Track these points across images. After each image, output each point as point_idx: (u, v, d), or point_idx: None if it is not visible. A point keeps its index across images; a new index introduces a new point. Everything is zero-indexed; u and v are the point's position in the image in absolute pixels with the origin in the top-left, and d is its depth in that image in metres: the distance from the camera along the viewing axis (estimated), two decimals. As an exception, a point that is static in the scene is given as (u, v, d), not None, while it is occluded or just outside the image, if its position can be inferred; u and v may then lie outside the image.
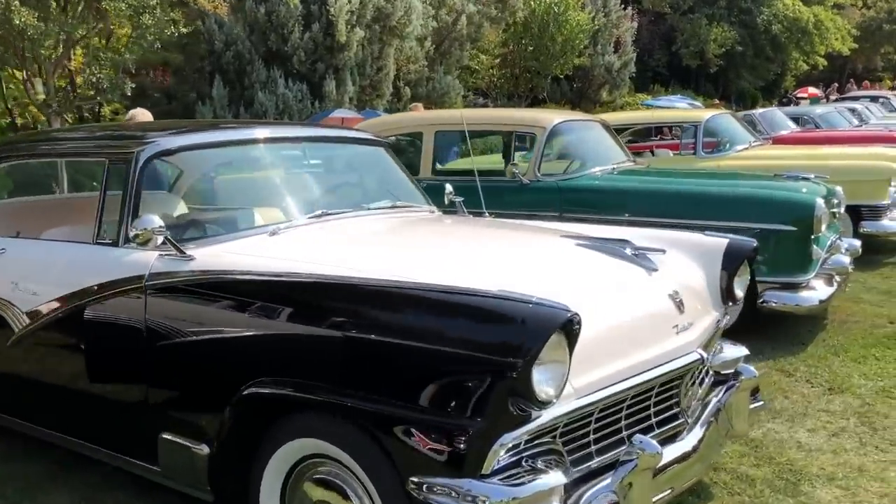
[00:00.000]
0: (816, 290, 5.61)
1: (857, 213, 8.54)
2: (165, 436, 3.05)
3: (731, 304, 3.58)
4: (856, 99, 29.84)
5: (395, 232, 3.63)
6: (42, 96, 12.40)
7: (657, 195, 6.04)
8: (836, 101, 32.11)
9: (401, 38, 14.29)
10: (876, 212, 8.49)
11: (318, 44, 13.17)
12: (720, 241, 3.58)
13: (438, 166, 7.20)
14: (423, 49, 16.09)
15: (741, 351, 3.54)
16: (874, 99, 30.71)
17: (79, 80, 12.83)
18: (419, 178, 6.75)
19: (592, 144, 6.88)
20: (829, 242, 5.81)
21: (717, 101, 30.83)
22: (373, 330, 2.53)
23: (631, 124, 10.23)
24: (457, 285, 2.51)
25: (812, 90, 40.08)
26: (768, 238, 5.56)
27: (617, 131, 10.73)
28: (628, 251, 3.07)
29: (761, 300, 5.59)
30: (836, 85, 47.53)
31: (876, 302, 7.01)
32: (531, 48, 22.92)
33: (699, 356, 2.96)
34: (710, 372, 3.46)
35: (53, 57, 12.13)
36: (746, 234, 5.54)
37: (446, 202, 4.50)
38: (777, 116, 13.24)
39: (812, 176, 6.39)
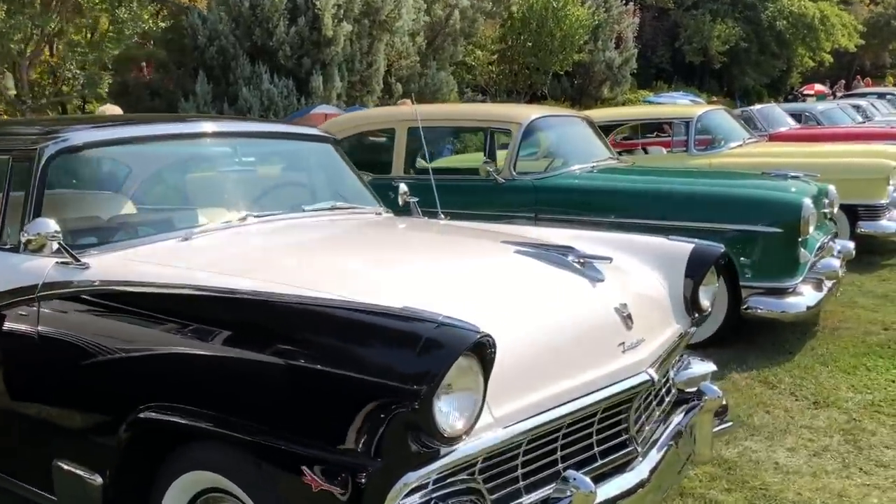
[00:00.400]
0: (804, 296, 5.27)
1: (853, 213, 8.20)
2: (59, 463, 2.75)
3: (696, 315, 3.25)
4: (862, 96, 29.39)
5: (320, 238, 3.31)
6: (13, 92, 12.12)
7: (635, 195, 5.71)
8: (843, 97, 31.79)
9: (391, 33, 13.96)
10: (874, 211, 8.14)
11: (305, 38, 12.86)
12: (684, 247, 3.25)
13: (422, 163, 6.90)
14: (416, 44, 15.76)
15: (708, 367, 3.21)
16: (881, 96, 30.33)
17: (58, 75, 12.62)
18: (391, 177, 6.47)
19: (572, 141, 6.55)
20: (818, 244, 5.47)
21: (715, 99, 30.41)
22: (264, 350, 2.22)
23: (622, 120, 9.88)
24: (355, 300, 2.19)
25: (818, 87, 39.58)
26: (753, 240, 5.24)
27: (609, 128, 10.45)
28: (571, 259, 2.74)
29: (745, 306, 5.27)
30: (843, 82, 47.12)
31: (871, 307, 6.67)
32: (530, 44, 22.57)
33: (648, 378, 2.63)
34: (673, 390, 3.14)
35: (28, 51, 11.84)
36: (729, 235, 5.28)
37: (400, 203, 4.20)
38: (776, 113, 12.87)
39: (801, 174, 6.05)
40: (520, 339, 2.30)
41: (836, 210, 6.59)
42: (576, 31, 23.02)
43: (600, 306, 2.63)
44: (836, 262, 5.47)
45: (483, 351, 2.05)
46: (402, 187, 4.24)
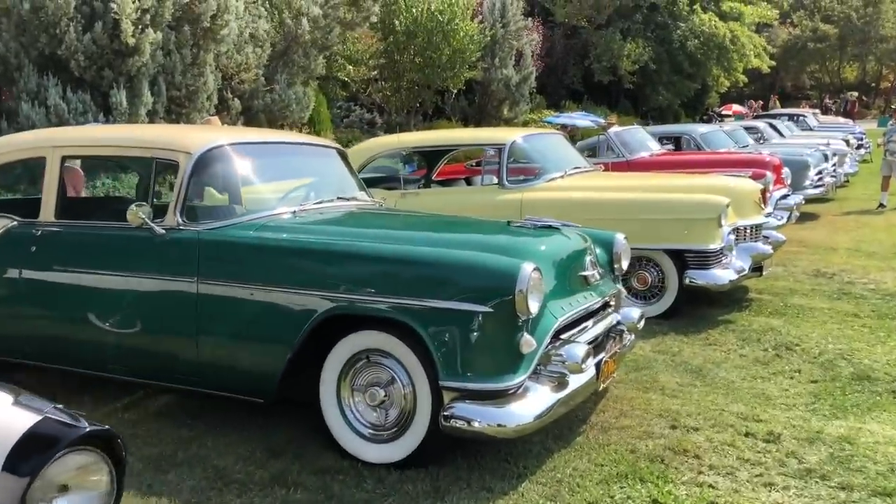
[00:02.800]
0: (526, 403, 3.75)
1: (681, 260, 6.82)
2: None
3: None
4: (774, 116, 28.92)
5: None
6: None
7: (303, 255, 4.15)
8: (755, 118, 31.23)
9: (216, 43, 12.28)
10: (703, 259, 6.76)
11: (104, 47, 11.10)
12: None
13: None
14: (259, 56, 14.13)
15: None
16: (793, 117, 29.87)
17: None
18: (34, 223, 4.81)
19: (277, 177, 4.97)
20: (554, 326, 3.96)
21: (608, 120, 29.43)
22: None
23: (431, 146, 8.38)
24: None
25: (736, 107, 39.23)
26: (451, 323, 3.71)
27: (425, 153, 8.97)
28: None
29: (445, 413, 3.72)
30: (761, 102, 47.00)
31: (672, 389, 5.22)
32: (419, 59, 21.08)
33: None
34: None
35: None
36: (423, 315, 3.76)
37: None
38: (637, 137, 11.55)
39: (559, 224, 4.57)
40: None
41: (624, 265, 5.16)
42: (466, 47, 21.61)
43: None
44: (579, 350, 3.93)
45: None
46: None
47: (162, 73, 12.09)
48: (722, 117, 34.34)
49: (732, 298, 7.49)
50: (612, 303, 4.89)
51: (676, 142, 14.53)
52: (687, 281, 6.74)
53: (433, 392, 3.79)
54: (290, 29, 14.48)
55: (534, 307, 3.74)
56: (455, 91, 23.77)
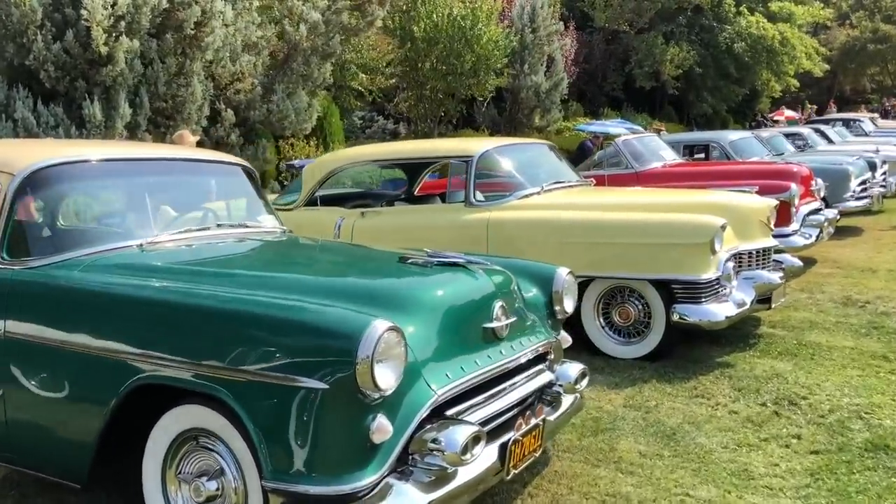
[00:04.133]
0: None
1: (669, 292, 5.76)
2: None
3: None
4: (827, 122, 27.35)
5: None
6: None
7: (112, 304, 3.25)
8: (806, 123, 29.61)
9: (201, 50, 11.58)
10: (693, 291, 5.68)
11: (76, 56, 10.47)
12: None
13: None
14: (256, 64, 13.42)
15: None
16: (847, 122, 28.25)
17: None
18: None
19: (139, 202, 4.09)
20: (428, 402, 2.98)
21: (656, 126, 28.12)
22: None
23: (393, 159, 7.44)
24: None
25: (788, 112, 37.40)
26: (284, 402, 2.78)
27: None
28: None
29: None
30: (815, 107, 44.90)
31: (631, 460, 4.17)
32: (443, 67, 20.16)
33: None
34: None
35: None
36: (238, 390, 2.83)
37: None
38: (651, 145, 10.43)
39: (465, 260, 3.58)
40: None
41: (567, 307, 4.15)
42: (491, 53, 20.64)
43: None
44: (459, 435, 2.93)
45: None
46: None
47: (144, 84, 11.43)
48: (773, 122, 32.75)
49: (738, 334, 6.38)
50: (550, 356, 3.89)
51: (705, 150, 13.37)
52: (675, 317, 5.67)
53: (265, 494, 2.85)
54: (290, 36, 13.72)
55: (386, 381, 2.77)
56: (483, 99, 22.81)
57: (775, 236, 8.30)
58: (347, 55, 17.24)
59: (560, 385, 3.84)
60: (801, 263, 6.98)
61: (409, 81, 20.85)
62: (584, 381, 3.95)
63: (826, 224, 9.17)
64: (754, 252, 6.27)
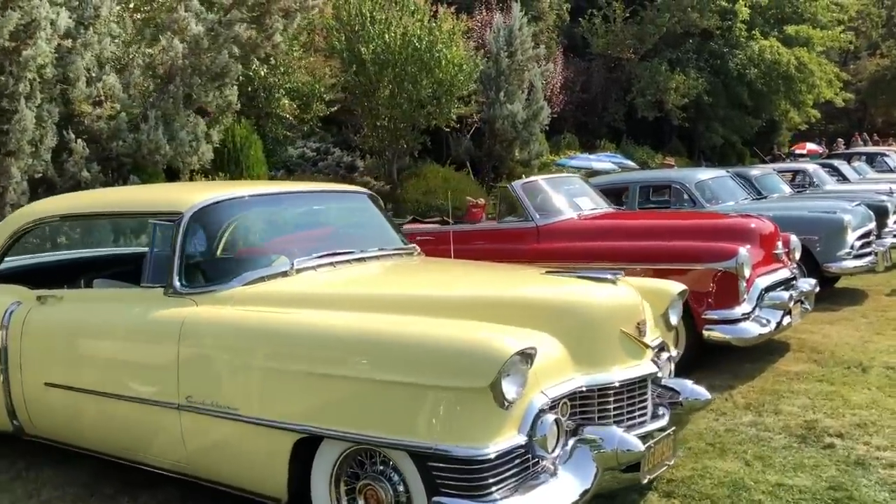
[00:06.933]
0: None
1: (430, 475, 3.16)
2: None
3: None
4: (850, 156, 24.61)
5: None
6: None
7: None
8: (826, 157, 26.91)
9: (19, 67, 9.29)
10: (464, 476, 3.07)
11: None
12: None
13: None
14: (124, 86, 11.13)
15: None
16: (871, 157, 25.42)
17: None
18: None
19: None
20: None
21: (665, 160, 25.48)
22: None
23: (87, 213, 4.96)
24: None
25: (811, 146, 34.57)
26: None
27: (86, 222, 5.53)
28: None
29: None
30: (841, 141, 41.84)
31: None
32: (397, 93, 17.76)
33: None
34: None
35: None
36: None
37: None
38: (571, 189, 7.80)
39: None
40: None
41: None
42: (455, 78, 18.21)
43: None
44: None
45: None
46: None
47: (-52, 109, 9.17)
48: (795, 157, 29.98)
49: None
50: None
51: (669, 191, 10.77)
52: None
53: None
54: (165, 53, 11.42)
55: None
56: (449, 129, 20.34)
57: (713, 322, 5.77)
58: (272, 79, 14.92)
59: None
60: (708, 396, 4.23)
61: (363, 109, 18.45)
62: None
63: (793, 301, 6.49)
64: (610, 392, 3.57)
